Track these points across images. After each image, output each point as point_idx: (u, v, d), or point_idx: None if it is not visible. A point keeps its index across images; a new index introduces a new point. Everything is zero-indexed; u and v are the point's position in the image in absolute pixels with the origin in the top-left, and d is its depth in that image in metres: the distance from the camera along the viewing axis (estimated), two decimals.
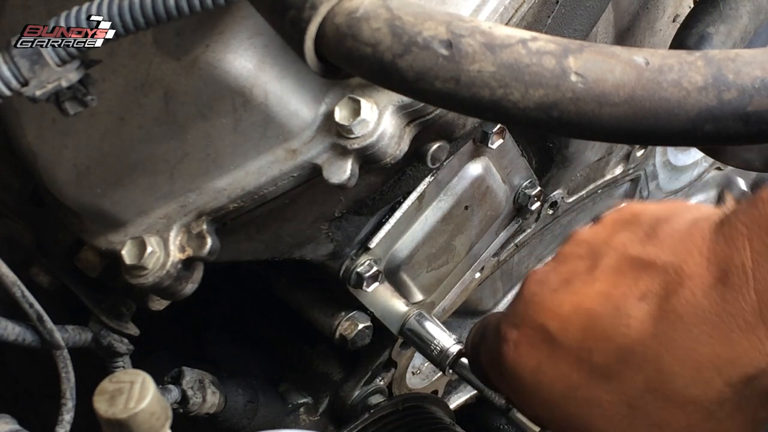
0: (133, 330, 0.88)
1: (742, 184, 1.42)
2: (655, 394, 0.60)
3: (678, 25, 0.92)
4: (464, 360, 0.90)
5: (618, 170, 1.16)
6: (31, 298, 0.73)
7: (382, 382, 1.10)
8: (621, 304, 0.62)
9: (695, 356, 0.57)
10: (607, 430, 0.64)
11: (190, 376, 0.92)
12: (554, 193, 1.08)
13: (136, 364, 0.88)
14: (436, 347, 0.92)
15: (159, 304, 0.87)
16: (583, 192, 1.13)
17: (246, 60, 0.70)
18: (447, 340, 0.91)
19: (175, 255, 0.73)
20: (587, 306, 0.64)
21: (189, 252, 0.73)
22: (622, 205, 0.80)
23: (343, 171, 0.69)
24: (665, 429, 0.61)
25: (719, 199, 1.47)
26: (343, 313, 0.98)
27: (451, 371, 0.91)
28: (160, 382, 0.90)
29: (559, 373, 0.65)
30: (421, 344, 0.93)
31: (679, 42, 0.89)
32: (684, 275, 0.59)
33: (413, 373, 1.15)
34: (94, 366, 0.85)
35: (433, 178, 0.90)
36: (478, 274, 1.07)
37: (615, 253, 0.66)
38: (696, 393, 0.58)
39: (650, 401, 0.61)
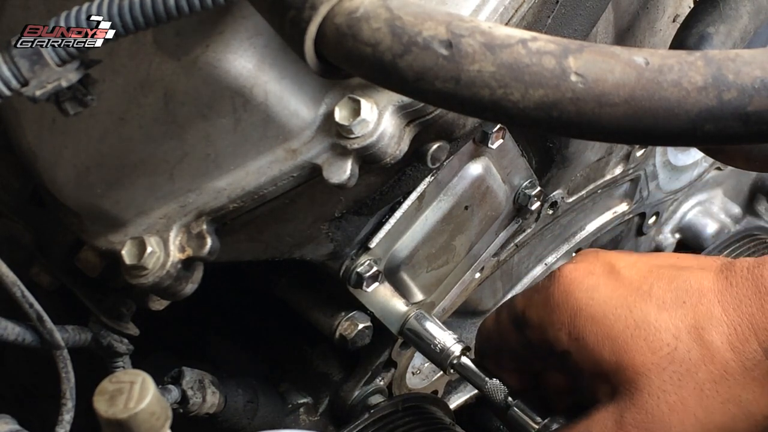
0: (133, 330, 0.88)
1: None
2: (698, 333, 0.69)
3: (678, 25, 0.92)
4: (465, 360, 0.89)
5: (618, 170, 1.16)
6: (31, 298, 0.73)
7: (382, 382, 1.10)
8: (684, 268, 0.73)
9: (741, 310, 0.69)
10: (649, 356, 0.70)
11: (190, 376, 0.92)
12: (554, 193, 1.08)
13: (136, 364, 0.88)
14: (436, 346, 0.91)
15: (159, 304, 0.87)
16: (583, 192, 1.13)
17: (246, 60, 0.70)
18: (448, 339, 0.91)
19: (175, 255, 0.73)
20: (653, 262, 0.75)
21: (189, 252, 0.73)
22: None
23: (343, 171, 0.69)
24: (702, 369, 0.69)
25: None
26: (343, 313, 0.98)
27: (452, 371, 0.91)
28: (160, 382, 0.90)
29: (615, 295, 0.72)
30: (422, 344, 0.93)
31: (679, 42, 0.89)
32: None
33: (413, 373, 1.15)
34: (94, 366, 0.85)
35: (433, 178, 0.90)
36: (478, 274, 1.07)
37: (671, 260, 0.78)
38: (733, 341, 0.68)
39: (696, 339, 0.69)
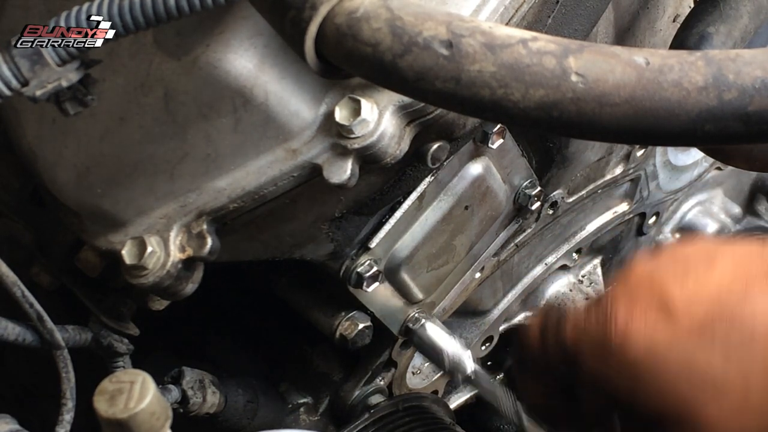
0: (133, 330, 0.88)
1: None
2: None
3: (678, 25, 0.92)
4: (477, 372, 0.88)
5: (618, 170, 1.16)
6: (31, 298, 0.73)
7: (382, 382, 1.10)
8: (748, 292, 0.66)
9: None
10: (713, 410, 0.65)
11: (190, 376, 0.92)
12: (554, 193, 1.08)
13: (136, 364, 0.88)
14: (447, 357, 0.90)
15: (159, 304, 0.87)
16: (583, 192, 1.13)
17: (246, 60, 0.70)
18: (459, 350, 0.90)
19: (176, 255, 0.73)
20: (712, 289, 0.67)
21: (189, 252, 0.73)
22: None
23: (343, 171, 0.69)
24: None
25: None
26: (343, 313, 0.98)
27: (467, 385, 0.89)
28: (160, 382, 0.90)
29: (676, 345, 0.66)
30: (432, 354, 0.92)
31: (680, 42, 0.89)
32: None
33: (413, 373, 1.15)
34: (94, 366, 0.84)
35: (433, 177, 0.90)
36: (478, 274, 1.07)
37: (733, 251, 0.70)
38: None
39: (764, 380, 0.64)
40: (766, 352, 0.64)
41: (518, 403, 0.83)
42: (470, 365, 0.89)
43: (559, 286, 1.24)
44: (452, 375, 0.90)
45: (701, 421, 0.65)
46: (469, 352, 0.89)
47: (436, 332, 0.92)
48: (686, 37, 0.88)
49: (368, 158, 0.69)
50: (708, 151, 1.07)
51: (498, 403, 0.85)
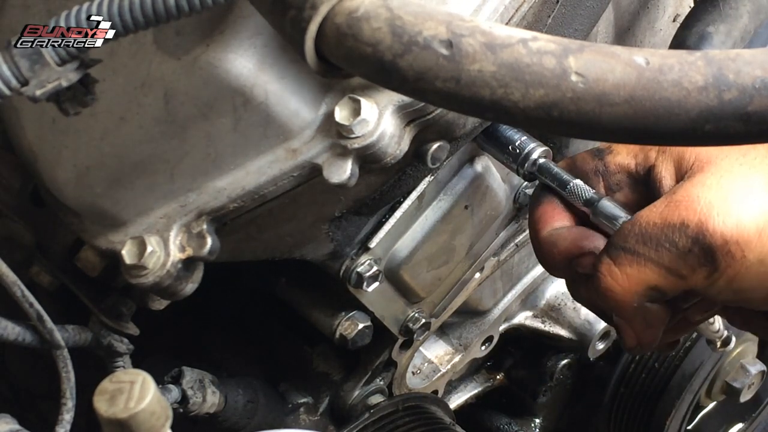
0: (133, 330, 0.88)
1: None
2: None
3: (678, 25, 0.92)
4: (544, 161, 0.82)
5: None
6: (31, 298, 0.73)
7: (382, 382, 1.10)
8: None
9: None
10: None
11: (190, 376, 0.92)
12: None
13: (136, 364, 0.88)
14: (515, 146, 0.83)
15: (159, 304, 0.87)
16: None
17: (246, 60, 0.70)
18: (526, 140, 0.83)
19: (175, 255, 0.73)
20: None
21: (189, 252, 0.73)
22: None
23: (343, 171, 0.69)
24: None
25: None
26: (343, 313, 0.98)
27: (531, 172, 0.82)
28: (160, 382, 0.90)
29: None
30: (498, 145, 0.85)
31: (679, 41, 0.89)
32: None
33: (413, 373, 1.16)
34: (94, 366, 0.85)
35: (432, 177, 0.90)
36: (478, 274, 1.07)
37: None
38: None
39: None
40: None
41: (593, 192, 0.78)
42: (538, 152, 0.82)
43: (559, 286, 1.24)
44: (520, 165, 0.83)
45: (709, 157, 0.70)
46: (540, 146, 0.83)
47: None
48: (686, 37, 0.88)
49: (368, 158, 0.69)
50: None
51: (568, 194, 0.78)
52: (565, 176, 0.79)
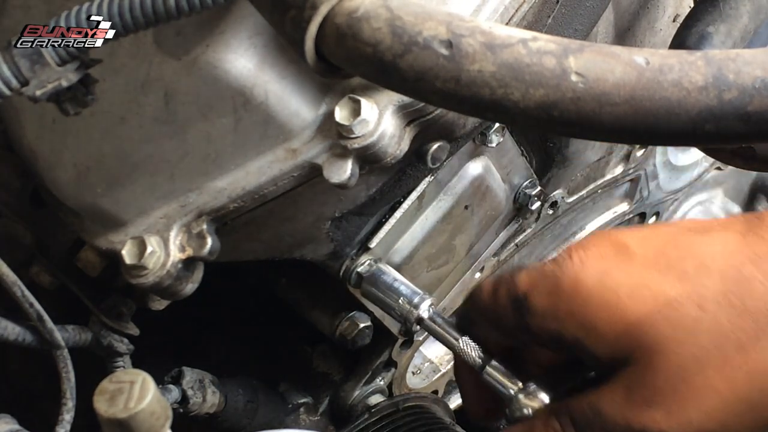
0: (133, 330, 0.88)
1: None
2: (731, 299, 0.61)
3: (678, 25, 0.92)
4: (434, 316, 0.82)
5: (618, 170, 1.16)
6: (31, 298, 0.73)
7: (382, 382, 1.10)
8: (706, 229, 0.64)
9: None
10: (668, 333, 0.62)
11: (190, 376, 0.92)
12: (554, 193, 1.08)
13: (136, 364, 0.88)
14: (401, 299, 0.84)
15: (159, 304, 0.87)
16: (583, 192, 1.13)
17: (246, 60, 0.70)
18: (414, 293, 0.85)
19: (176, 255, 0.73)
20: (667, 230, 0.66)
21: (189, 252, 0.73)
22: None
23: (344, 171, 0.69)
24: (730, 337, 0.61)
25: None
26: (343, 313, 0.98)
27: (418, 327, 0.83)
28: (160, 382, 0.90)
29: (629, 276, 0.64)
30: (383, 297, 0.86)
31: (679, 41, 0.89)
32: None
33: (413, 373, 1.15)
34: (94, 366, 0.84)
35: (432, 177, 0.90)
36: (478, 274, 1.07)
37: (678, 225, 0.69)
38: None
39: (723, 306, 0.61)
40: (722, 277, 0.62)
41: (481, 351, 0.76)
42: (425, 306, 0.82)
43: None
44: (407, 320, 0.83)
45: (652, 347, 0.63)
46: (427, 299, 0.84)
47: (388, 275, 0.87)
48: (686, 37, 0.88)
49: (368, 158, 0.69)
50: (708, 151, 1.07)
51: (459, 352, 0.77)
52: (455, 334, 0.78)
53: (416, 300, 0.84)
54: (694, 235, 0.65)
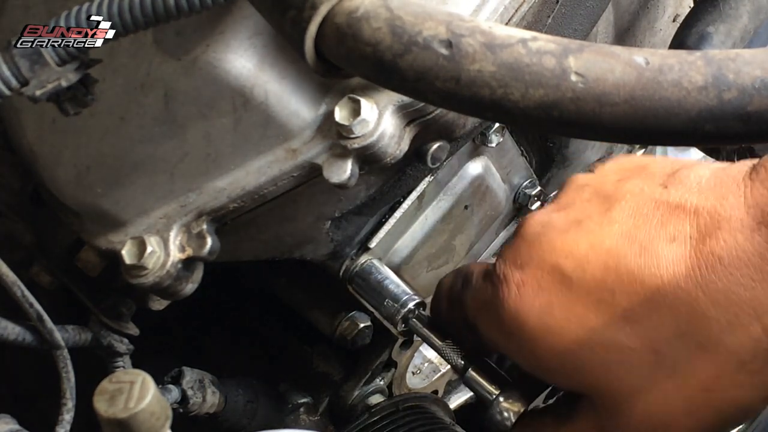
0: (133, 330, 0.88)
1: None
2: (685, 339, 0.57)
3: (678, 25, 0.92)
4: (421, 317, 0.82)
5: None
6: (31, 298, 0.73)
7: (382, 382, 1.10)
8: (648, 245, 0.59)
9: (734, 300, 0.55)
10: (625, 380, 0.59)
11: (190, 376, 0.92)
12: (554, 193, 1.08)
13: (136, 364, 0.88)
14: (388, 299, 0.84)
15: (159, 304, 0.87)
16: None
17: (246, 60, 0.70)
18: (403, 292, 0.85)
19: (175, 255, 0.73)
20: (608, 245, 0.60)
21: (189, 252, 0.73)
22: (619, 155, 0.76)
23: (343, 171, 0.69)
24: (691, 379, 0.57)
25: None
26: (343, 313, 0.98)
27: (404, 326, 0.84)
28: (160, 382, 0.90)
29: (573, 315, 0.60)
30: (371, 295, 0.86)
31: (679, 41, 0.89)
32: (721, 218, 0.57)
33: (413, 373, 1.15)
34: (94, 366, 0.84)
35: (433, 177, 0.90)
36: None
37: (632, 196, 0.62)
38: (731, 340, 0.55)
39: (679, 347, 0.57)
40: (673, 316, 0.57)
41: (462, 355, 0.76)
42: (411, 306, 0.82)
43: None
44: (391, 320, 0.83)
45: (613, 394, 0.60)
46: (415, 298, 0.83)
47: (379, 274, 0.86)
48: (686, 37, 0.89)
49: (368, 158, 0.69)
50: (708, 151, 1.07)
51: (443, 354, 0.78)
52: (437, 337, 0.78)
53: (403, 300, 0.84)
54: (637, 252, 0.59)
